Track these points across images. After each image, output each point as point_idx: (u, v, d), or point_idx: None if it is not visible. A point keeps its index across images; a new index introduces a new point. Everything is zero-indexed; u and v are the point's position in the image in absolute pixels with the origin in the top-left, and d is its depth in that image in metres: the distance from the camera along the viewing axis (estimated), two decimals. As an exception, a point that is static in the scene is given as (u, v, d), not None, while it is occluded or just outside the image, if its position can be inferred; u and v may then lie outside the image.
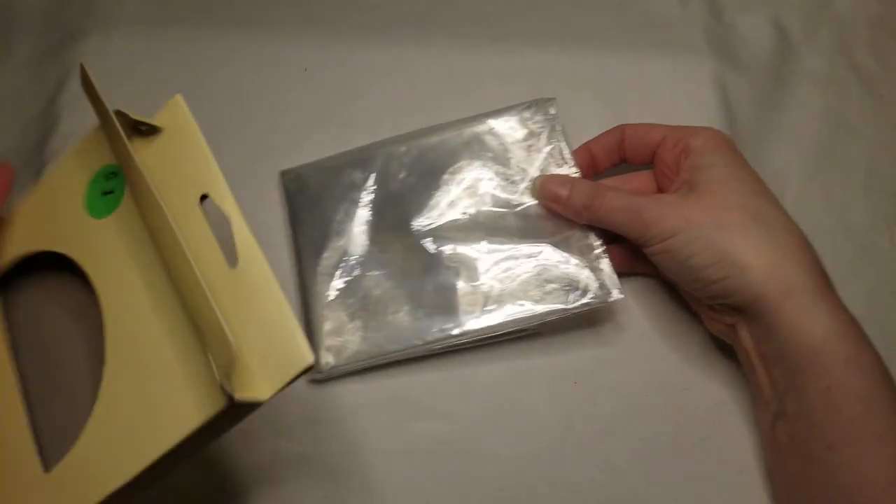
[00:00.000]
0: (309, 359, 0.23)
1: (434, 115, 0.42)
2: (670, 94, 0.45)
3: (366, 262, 0.37)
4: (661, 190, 0.38)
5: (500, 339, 0.37)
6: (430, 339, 0.35)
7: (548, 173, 0.38)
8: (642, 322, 0.39)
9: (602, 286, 0.35)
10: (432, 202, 0.38)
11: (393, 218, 0.38)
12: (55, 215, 0.28)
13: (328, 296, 0.37)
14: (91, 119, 0.43)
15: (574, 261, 0.36)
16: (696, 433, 0.36)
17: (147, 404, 0.24)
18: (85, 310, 0.28)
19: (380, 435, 0.36)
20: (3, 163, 0.31)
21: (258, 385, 0.23)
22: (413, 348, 0.35)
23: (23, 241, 0.29)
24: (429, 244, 0.37)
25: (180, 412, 0.23)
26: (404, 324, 0.36)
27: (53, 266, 0.29)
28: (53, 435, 0.26)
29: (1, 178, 0.30)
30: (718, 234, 0.32)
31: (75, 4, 0.47)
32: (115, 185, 0.27)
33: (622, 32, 0.47)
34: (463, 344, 0.36)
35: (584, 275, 0.36)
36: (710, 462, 0.35)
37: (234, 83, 0.45)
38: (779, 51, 0.47)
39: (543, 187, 0.37)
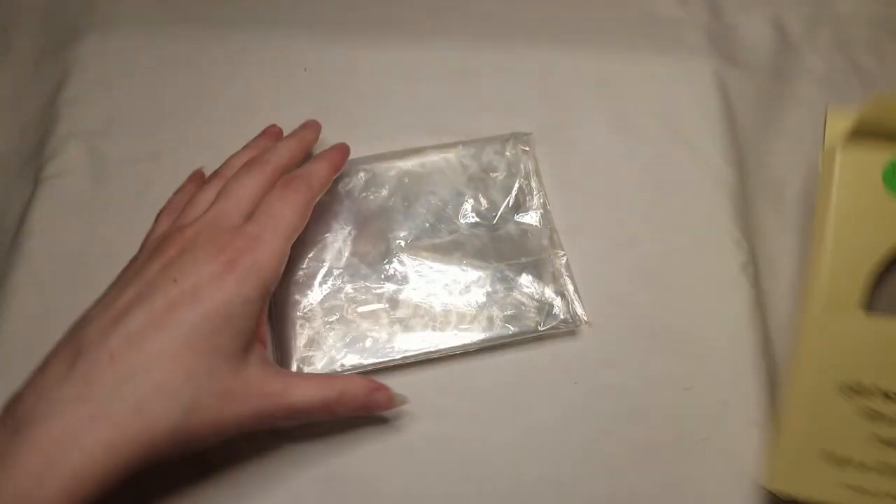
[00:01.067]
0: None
1: (434, 115, 0.42)
2: (670, 94, 0.45)
3: (344, 274, 0.38)
4: None
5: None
6: (406, 353, 0.36)
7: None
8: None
9: (571, 312, 0.37)
10: (412, 222, 0.39)
11: (373, 233, 0.39)
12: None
13: (305, 306, 0.37)
14: (91, 119, 0.44)
15: (546, 285, 0.38)
16: (697, 433, 0.36)
17: None
18: None
19: (379, 435, 0.36)
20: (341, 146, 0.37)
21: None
22: (389, 361, 0.36)
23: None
24: (408, 261, 0.38)
25: None
26: (382, 337, 0.36)
27: None
28: None
29: (337, 156, 0.37)
30: None
31: (75, 4, 0.47)
32: None
33: (622, 32, 0.47)
34: (438, 358, 0.37)
35: (556, 300, 0.38)
36: (710, 462, 0.35)
37: (234, 83, 0.45)
38: (779, 50, 0.47)
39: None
